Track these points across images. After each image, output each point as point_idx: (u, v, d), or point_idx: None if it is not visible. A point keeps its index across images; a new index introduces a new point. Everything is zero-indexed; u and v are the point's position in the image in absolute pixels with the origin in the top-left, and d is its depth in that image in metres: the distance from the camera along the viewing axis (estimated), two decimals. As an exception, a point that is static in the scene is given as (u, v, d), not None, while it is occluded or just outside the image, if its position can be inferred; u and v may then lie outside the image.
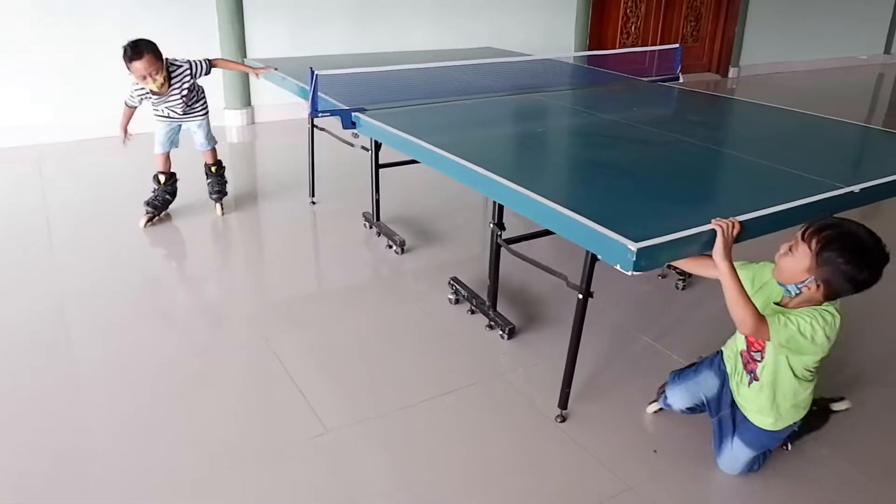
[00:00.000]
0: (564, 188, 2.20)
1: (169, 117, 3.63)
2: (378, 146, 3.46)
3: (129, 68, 3.38)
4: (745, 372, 2.04)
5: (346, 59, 4.47)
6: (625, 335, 2.82)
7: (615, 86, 3.79)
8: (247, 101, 5.98)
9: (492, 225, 2.67)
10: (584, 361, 2.28)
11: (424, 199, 4.26)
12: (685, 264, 2.16)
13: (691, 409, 2.21)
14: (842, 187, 2.10)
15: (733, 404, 2.11)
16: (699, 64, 8.69)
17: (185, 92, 3.57)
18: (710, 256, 1.80)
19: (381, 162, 3.55)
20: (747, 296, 1.78)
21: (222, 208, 3.91)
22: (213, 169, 3.86)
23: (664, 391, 2.27)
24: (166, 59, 3.47)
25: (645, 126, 2.95)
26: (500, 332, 2.75)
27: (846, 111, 3.34)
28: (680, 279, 3.22)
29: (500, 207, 2.61)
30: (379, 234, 3.67)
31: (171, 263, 3.47)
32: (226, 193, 3.92)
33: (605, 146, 2.67)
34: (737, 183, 2.27)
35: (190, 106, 3.64)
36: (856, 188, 2.11)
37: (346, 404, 2.36)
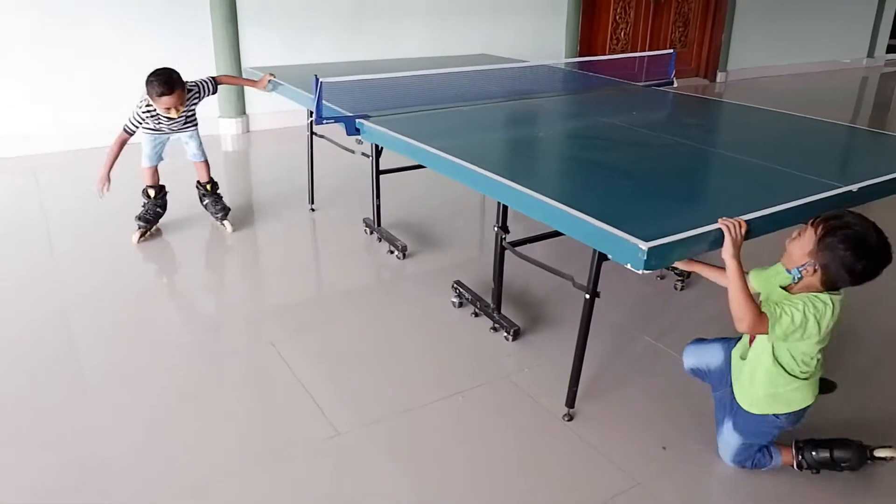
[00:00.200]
0: (572, 190, 2.24)
1: (158, 130, 3.56)
2: (379, 153, 3.50)
3: (153, 98, 3.33)
4: (747, 345, 2.06)
5: (341, 67, 4.50)
6: (626, 335, 2.87)
7: (611, 90, 3.85)
8: (241, 110, 6.00)
9: (496, 228, 2.71)
10: (587, 361, 2.31)
11: (422, 205, 4.30)
12: (702, 269, 2.21)
13: (694, 372, 2.27)
14: (840, 186, 2.16)
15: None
16: (688, 69, 8.80)
17: (190, 114, 3.57)
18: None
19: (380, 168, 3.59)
20: (749, 295, 1.82)
21: (232, 225, 3.82)
22: (208, 187, 3.77)
23: None
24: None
25: (644, 129, 3.01)
26: (505, 334, 2.79)
27: (832, 113, 3.41)
28: (678, 280, 3.27)
29: (505, 211, 2.66)
30: (380, 239, 3.70)
31: (173, 272, 3.49)
32: (229, 209, 3.84)
33: (607, 149, 2.72)
34: (738, 183, 2.33)
35: (186, 120, 3.62)
36: (854, 187, 2.16)
37: (355, 407, 2.38)
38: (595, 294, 2.17)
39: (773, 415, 2.02)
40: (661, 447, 2.21)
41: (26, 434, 2.24)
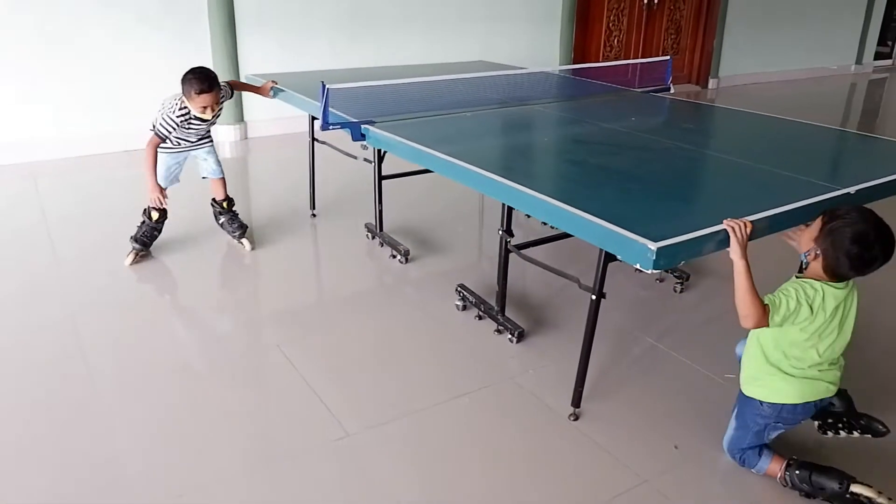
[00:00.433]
0: (581, 193, 2.28)
1: (179, 147, 3.42)
2: (381, 158, 3.54)
3: (191, 97, 3.21)
4: None
5: (340, 74, 4.55)
6: (627, 337, 2.91)
7: (610, 96, 3.90)
8: (240, 117, 6.02)
9: (501, 232, 2.75)
10: (590, 362, 2.35)
11: (423, 210, 4.34)
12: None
13: (740, 359, 2.27)
14: (838, 189, 2.21)
15: None
16: (680, 76, 8.89)
17: (215, 119, 3.44)
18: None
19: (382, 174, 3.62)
20: (756, 294, 1.87)
21: (251, 243, 3.72)
22: (225, 205, 3.65)
23: None
24: None
25: (644, 134, 3.06)
26: (509, 336, 2.83)
27: (822, 119, 3.48)
28: (678, 283, 3.32)
29: (509, 215, 2.70)
30: (382, 244, 3.74)
31: (178, 277, 3.50)
32: (246, 227, 3.71)
33: (611, 153, 2.77)
34: (740, 186, 2.38)
35: (206, 134, 3.51)
36: (851, 189, 2.22)
37: (363, 409, 2.41)
38: (601, 295, 2.22)
39: (758, 400, 2.06)
40: (667, 445, 2.25)
41: (39, 438, 2.26)
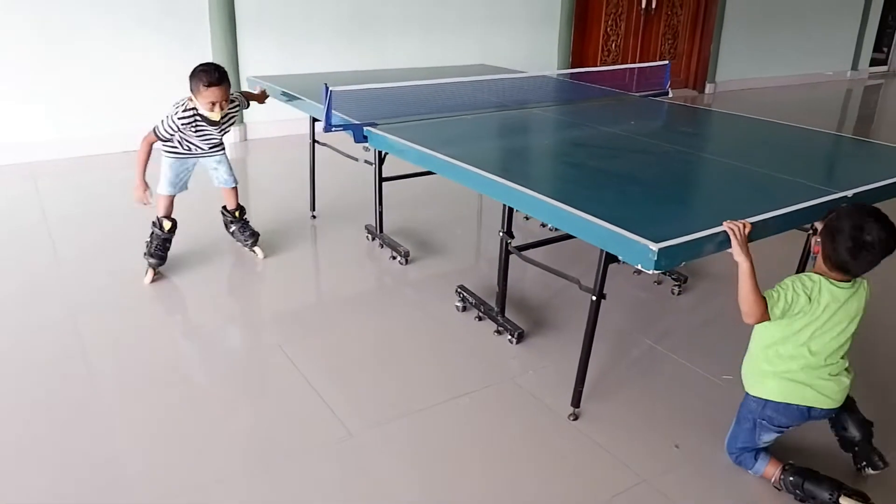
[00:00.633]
0: (582, 195, 2.30)
1: (190, 152, 3.28)
2: (382, 160, 3.56)
3: (199, 92, 3.05)
4: None
5: (341, 77, 4.57)
6: (626, 338, 2.94)
7: (609, 100, 3.94)
8: (239, 119, 6.04)
9: (501, 234, 2.78)
10: (590, 362, 2.37)
11: (422, 212, 4.36)
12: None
13: None
14: (835, 192, 2.24)
15: None
16: (677, 80, 8.94)
17: (228, 128, 3.34)
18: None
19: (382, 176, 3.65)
20: (759, 293, 1.90)
21: (262, 251, 3.63)
22: (237, 214, 3.55)
23: None
24: None
25: (644, 137, 3.09)
26: (509, 337, 2.85)
27: (818, 124, 3.51)
28: (676, 285, 3.35)
29: (510, 217, 2.72)
30: (382, 245, 3.76)
31: (178, 279, 3.51)
32: (258, 234, 3.61)
33: (612, 156, 2.80)
34: (738, 189, 2.40)
35: (217, 144, 3.38)
36: (848, 193, 2.24)
37: (365, 409, 2.43)
38: (602, 296, 2.24)
39: (752, 396, 2.09)
40: (666, 445, 2.27)
41: (41, 437, 2.27)
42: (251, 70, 5.63)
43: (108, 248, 3.71)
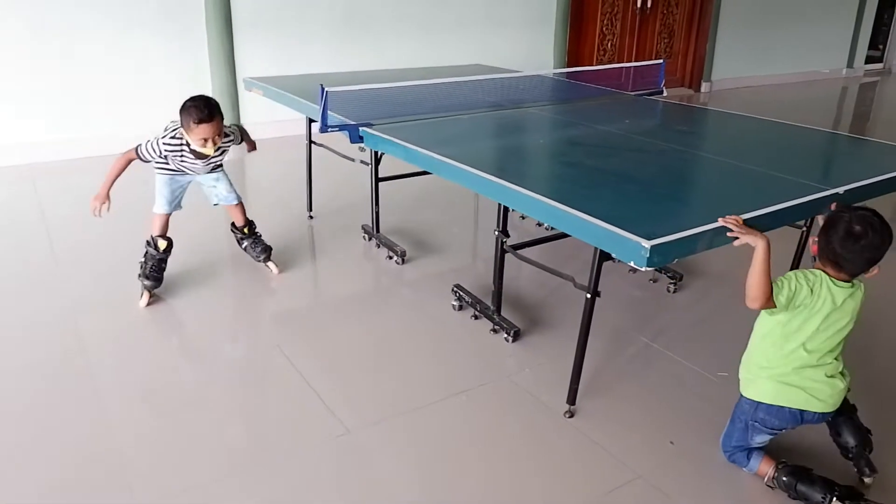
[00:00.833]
0: (576, 193, 2.32)
1: (181, 171, 3.12)
2: (378, 160, 3.57)
3: (189, 128, 2.87)
4: None
5: (337, 77, 4.57)
6: (622, 336, 2.95)
7: (604, 99, 3.96)
8: (236, 120, 6.04)
9: (497, 232, 2.79)
10: (585, 361, 2.39)
11: (418, 211, 4.38)
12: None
13: None
14: (827, 189, 2.26)
15: None
16: (673, 79, 8.96)
17: (220, 161, 3.20)
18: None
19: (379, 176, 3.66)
20: (769, 278, 1.90)
21: (277, 266, 3.48)
22: (245, 230, 3.39)
23: None
24: None
25: (639, 136, 3.11)
26: (505, 336, 2.87)
27: (814, 122, 3.54)
28: (671, 283, 3.36)
29: (505, 216, 2.74)
30: (379, 245, 3.77)
31: (176, 281, 3.52)
32: (270, 248, 3.46)
33: (605, 155, 2.82)
34: (731, 186, 2.42)
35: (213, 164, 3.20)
36: (840, 189, 2.26)
37: (362, 406, 2.45)
38: (596, 293, 2.26)
39: (746, 398, 2.10)
40: (662, 441, 2.29)
41: (41, 434, 2.28)
42: (248, 71, 5.65)
43: (106, 248, 3.72)
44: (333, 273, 3.63)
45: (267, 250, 3.45)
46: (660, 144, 2.99)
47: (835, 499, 1.94)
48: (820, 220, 2.07)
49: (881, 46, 11.61)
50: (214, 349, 2.87)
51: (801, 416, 2.05)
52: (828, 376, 2.02)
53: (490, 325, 2.95)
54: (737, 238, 1.93)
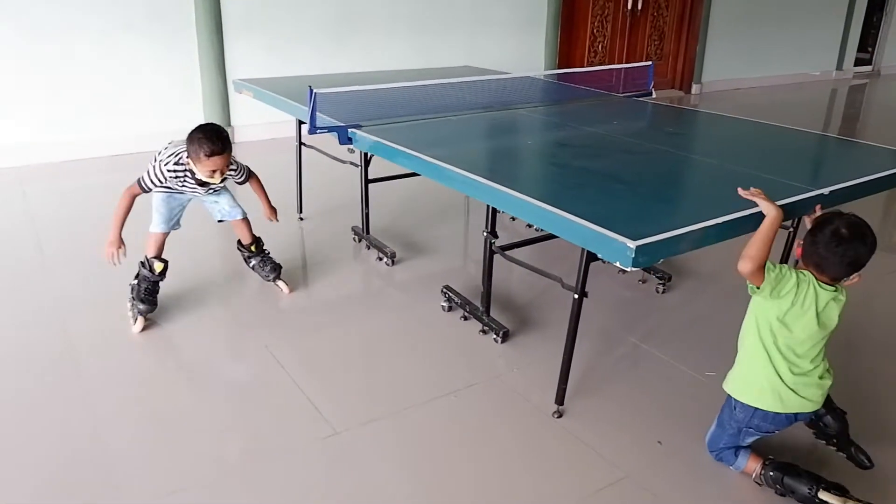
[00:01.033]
0: (563, 194, 2.33)
1: (181, 191, 2.96)
2: (368, 162, 3.58)
3: (198, 159, 2.72)
4: None
5: (327, 79, 4.56)
6: (610, 337, 2.96)
7: (593, 101, 3.97)
8: (227, 121, 6.04)
9: (485, 233, 2.80)
10: (574, 361, 2.40)
11: (408, 213, 4.38)
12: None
13: None
14: (812, 190, 2.28)
15: None
16: (663, 81, 9.00)
17: (219, 188, 3.07)
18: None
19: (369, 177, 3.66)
20: (769, 246, 1.93)
21: (287, 285, 3.31)
22: (253, 248, 3.25)
23: None
24: None
25: (627, 137, 3.13)
26: (494, 336, 2.87)
27: (803, 123, 3.55)
28: (660, 283, 3.38)
29: (494, 217, 2.75)
30: (369, 247, 3.78)
31: (167, 283, 3.50)
32: (280, 267, 3.31)
33: (593, 156, 2.83)
34: (717, 187, 2.43)
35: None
36: (825, 190, 2.28)
37: (351, 406, 2.45)
38: (583, 294, 2.27)
39: (734, 401, 2.11)
40: (650, 441, 2.30)
41: (29, 434, 2.28)
42: (238, 73, 5.64)
43: (96, 251, 3.69)
44: (323, 274, 3.62)
45: (277, 269, 3.28)
46: (647, 146, 3.00)
47: (821, 490, 1.96)
48: (807, 222, 2.11)
49: (870, 49, 11.68)
50: (203, 349, 2.86)
51: (795, 418, 2.09)
52: (819, 377, 2.06)
53: (479, 325, 2.96)
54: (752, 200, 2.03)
